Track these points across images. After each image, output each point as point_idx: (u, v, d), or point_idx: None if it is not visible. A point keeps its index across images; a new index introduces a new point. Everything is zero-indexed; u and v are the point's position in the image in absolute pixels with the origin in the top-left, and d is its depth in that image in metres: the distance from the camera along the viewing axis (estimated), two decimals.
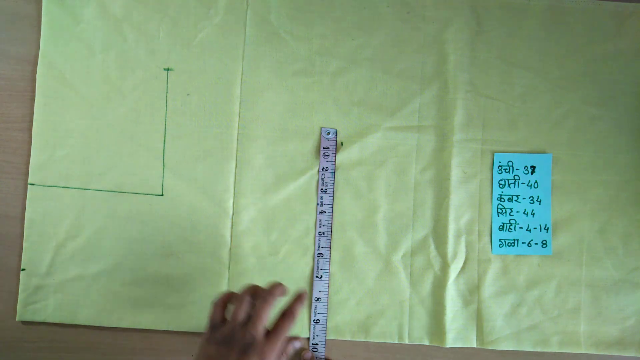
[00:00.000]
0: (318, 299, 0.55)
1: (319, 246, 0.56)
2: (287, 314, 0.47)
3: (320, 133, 0.56)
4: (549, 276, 0.55)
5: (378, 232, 0.56)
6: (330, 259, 0.56)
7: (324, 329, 0.54)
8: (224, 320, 0.47)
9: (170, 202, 0.56)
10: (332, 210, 0.56)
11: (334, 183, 0.56)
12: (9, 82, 0.56)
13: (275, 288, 0.47)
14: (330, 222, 0.56)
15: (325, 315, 0.55)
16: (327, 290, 0.55)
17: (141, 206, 0.56)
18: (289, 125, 0.56)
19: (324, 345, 0.54)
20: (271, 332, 0.46)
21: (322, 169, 0.56)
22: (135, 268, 0.55)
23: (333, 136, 0.56)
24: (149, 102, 0.56)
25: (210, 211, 0.56)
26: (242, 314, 0.46)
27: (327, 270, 0.55)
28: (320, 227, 0.56)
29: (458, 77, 0.56)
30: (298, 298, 0.48)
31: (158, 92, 0.56)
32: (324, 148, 0.56)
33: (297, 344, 0.51)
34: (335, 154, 0.56)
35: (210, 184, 0.56)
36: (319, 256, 0.55)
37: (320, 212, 0.56)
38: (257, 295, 0.47)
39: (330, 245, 0.56)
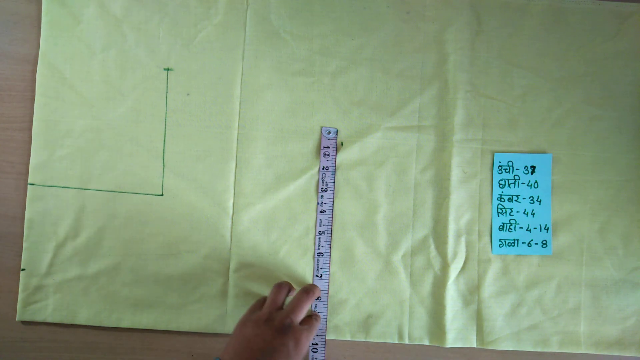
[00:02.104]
0: (318, 298, 0.55)
1: (319, 245, 0.55)
2: (314, 314, 0.52)
3: (321, 132, 0.56)
4: (549, 276, 0.55)
5: (378, 232, 0.56)
6: (330, 258, 0.56)
7: (324, 328, 0.54)
8: (261, 308, 0.49)
9: (170, 202, 0.56)
10: (333, 209, 0.56)
11: (334, 182, 0.56)
12: (9, 82, 0.56)
13: (316, 287, 0.53)
14: (330, 221, 0.56)
15: (325, 314, 0.55)
16: (327, 289, 0.55)
17: (141, 206, 0.56)
18: (289, 125, 0.56)
19: (324, 345, 0.54)
20: (306, 323, 0.49)
21: (323, 169, 0.56)
22: (135, 268, 0.55)
23: (334, 135, 0.56)
24: (149, 102, 0.56)
25: (210, 211, 0.56)
26: (280, 300, 0.49)
27: (327, 270, 0.55)
28: (320, 226, 0.56)
29: (458, 77, 0.56)
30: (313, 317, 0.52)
31: (158, 92, 0.56)
32: (324, 147, 0.56)
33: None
34: (336, 153, 0.56)
35: (210, 184, 0.56)
36: (319, 255, 0.55)
37: (320, 212, 0.56)
38: (305, 290, 0.50)
39: (331, 244, 0.56)
